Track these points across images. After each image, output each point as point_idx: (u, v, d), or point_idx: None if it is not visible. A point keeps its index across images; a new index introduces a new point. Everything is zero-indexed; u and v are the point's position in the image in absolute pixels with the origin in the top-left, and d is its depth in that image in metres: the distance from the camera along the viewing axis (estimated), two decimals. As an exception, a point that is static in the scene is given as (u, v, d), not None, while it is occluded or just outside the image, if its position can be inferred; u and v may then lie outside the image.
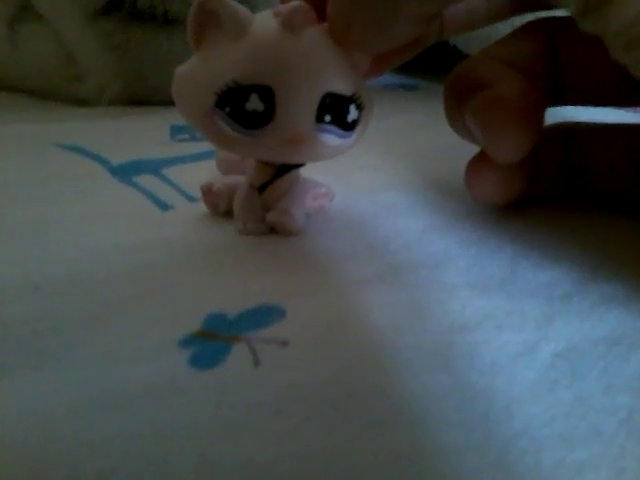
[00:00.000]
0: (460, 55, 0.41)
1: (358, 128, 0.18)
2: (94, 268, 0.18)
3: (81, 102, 0.40)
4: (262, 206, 0.20)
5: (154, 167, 0.27)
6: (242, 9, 0.17)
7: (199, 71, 0.17)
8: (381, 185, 0.24)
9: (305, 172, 0.20)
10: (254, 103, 0.16)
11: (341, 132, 0.18)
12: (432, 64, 0.43)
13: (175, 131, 0.32)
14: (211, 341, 0.14)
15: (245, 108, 0.16)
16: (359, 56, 0.18)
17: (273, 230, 0.20)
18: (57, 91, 0.41)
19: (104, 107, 0.39)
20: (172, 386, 0.13)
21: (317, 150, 0.18)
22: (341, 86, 0.17)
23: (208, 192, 0.21)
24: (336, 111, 0.17)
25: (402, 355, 0.14)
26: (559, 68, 0.20)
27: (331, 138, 0.18)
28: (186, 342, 0.14)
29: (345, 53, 0.17)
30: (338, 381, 0.13)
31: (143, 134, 0.32)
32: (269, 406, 0.12)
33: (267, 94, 0.16)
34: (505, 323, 0.15)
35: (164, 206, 0.22)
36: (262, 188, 0.20)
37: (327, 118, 0.17)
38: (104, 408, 0.12)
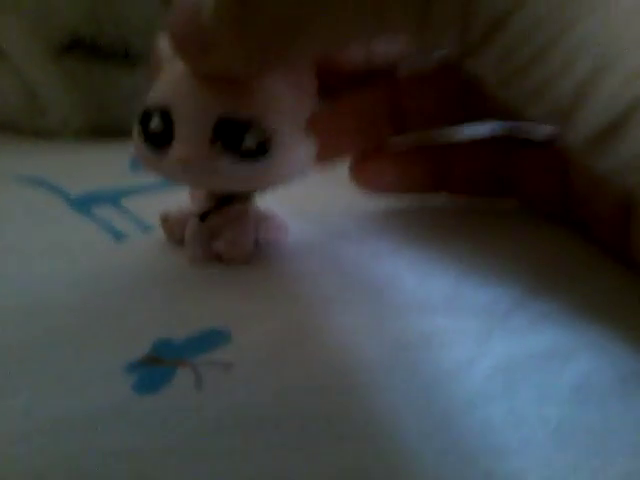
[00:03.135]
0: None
1: (275, 159, 0.18)
2: (44, 297, 0.18)
3: (43, 135, 0.40)
4: (210, 235, 0.20)
5: (113, 198, 0.27)
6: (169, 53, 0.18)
7: None
8: (333, 212, 0.25)
9: (259, 201, 0.21)
10: (155, 123, 0.17)
11: (237, 159, 0.17)
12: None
13: (135, 162, 0.32)
14: (157, 366, 0.15)
15: (149, 128, 0.18)
16: (293, 91, 0.18)
17: (220, 259, 0.20)
18: (19, 124, 0.41)
19: (66, 140, 0.39)
20: (116, 411, 0.13)
21: (214, 175, 0.18)
22: (237, 110, 0.17)
23: (165, 220, 0.21)
24: (230, 137, 0.17)
25: (344, 374, 0.14)
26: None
27: (226, 163, 0.17)
28: (132, 368, 0.14)
29: (258, 80, 0.17)
30: (279, 401, 0.13)
31: (104, 165, 0.33)
32: (210, 427, 0.13)
33: (166, 115, 0.17)
34: (446, 340, 0.16)
35: (119, 236, 0.22)
36: (203, 217, 0.20)
37: (219, 143, 0.17)
38: (49, 434, 0.12)
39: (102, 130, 0.39)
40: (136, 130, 0.18)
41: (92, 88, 0.39)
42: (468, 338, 0.16)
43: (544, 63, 0.11)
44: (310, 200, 0.26)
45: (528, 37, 0.11)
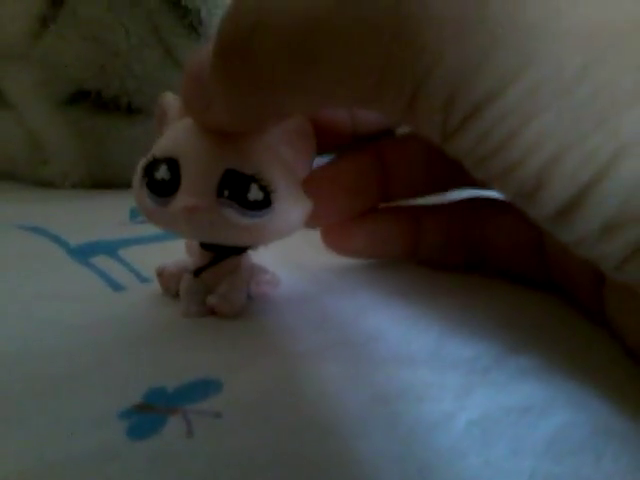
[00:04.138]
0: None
1: (277, 212, 0.18)
2: (41, 345, 0.18)
3: (45, 185, 0.41)
4: (205, 289, 0.21)
5: (111, 248, 0.28)
6: (178, 106, 0.20)
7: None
8: (324, 265, 0.26)
9: (252, 253, 0.22)
10: (162, 172, 0.18)
11: (242, 210, 0.18)
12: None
13: (135, 213, 0.33)
14: (149, 413, 0.15)
15: (155, 177, 0.18)
16: (292, 151, 0.19)
17: (213, 313, 0.21)
18: (22, 174, 0.42)
19: (67, 190, 0.40)
20: (108, 456, 0.14)
21: (218, 226, 0.18)
22: (243, 165, 0.18)
23: (161, 274, 0.22)
24: (236, 188, 0.18)
25: (329, 424, 0.15)
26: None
27: (231, 214, 0.18)
28: (125, 414, 0.15)
29: (261, 138, 0.19)
30: (267, 448, 0.14)
31: (103, 216, 0.34)
32: (199, 473, 0.13)
33: (173, 165, 0.18)
34: (426, 394, 0.16)
35: (117, 286, 0.23)
36: (197, 272, 0.21)
37: (226, 193, 0.18)
38: (42, 478, 0.13)
39: (103, 182, 0.40)
40: (138, 180, 0.19)
41: (95, 139, 0.41)
42: (448, 392, 0.17)
43: (510, 149, 0.12)
44: (300, 253, 0.27)
45: (498, 124, 0.12)
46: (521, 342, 0.19)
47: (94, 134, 0.40)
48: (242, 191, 0.18)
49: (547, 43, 0.11)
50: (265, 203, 0.18)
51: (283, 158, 0.19)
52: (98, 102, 0.40)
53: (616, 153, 0.11)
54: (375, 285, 0.24)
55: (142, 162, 0.19)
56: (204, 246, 0.21)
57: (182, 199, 0.18)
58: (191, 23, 0.40)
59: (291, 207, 0.19)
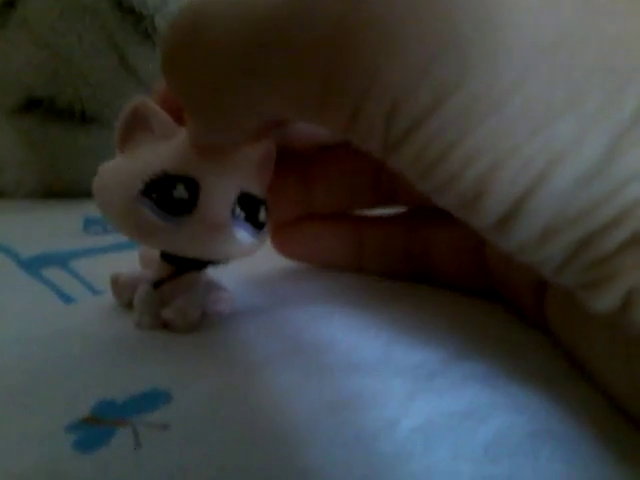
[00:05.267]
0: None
1: (264, 231, 0.20)
2: (-11, 359, 0.18)
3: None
4: (160, 302, 0.21)
5: (62, 260, 0.28)
6: (167, 116, 0.19)
7: (127, 164, 0.19)
8: (278, 276, 0.26)
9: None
10: (180, 192, 0.18)
11: (253, 230, 0.20)
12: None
13: (88, 223, 0.33)
14: (97, 426, 0.15)
15: (172, 196, 0.18)
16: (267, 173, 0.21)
17: (167, 326, 0.21)
18: (-28, 183, 0.42)
19: (18, 200, 0.40)
20: (53, 471, 0.14)
21: (231, 244, 0.19)
22: (254, 188, 0.20)
23: (116, 281, 0.22)
24: (249, 209, 0.19)
25: (278, 434, 0.15)
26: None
27: (244, 234, 0.19)
28: (72, 428, 0.15)
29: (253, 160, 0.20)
30: (214, 461, 0.14)
31: (56, 226, 0.33)
32: (146, 485, 0.13)
33: (192, 185, 0.18)
34: (372, 401, 0.17)
35: (67, 299, 0.23)
36: (157, 284, 0.21)
37: (241, 215, 0.19)
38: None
39: (56, 191, 0.40)
40: (132, 195, 0.18)
41: (48, 148, 0.40)
42: (393, 399, 0.17)
43: (449, 161, 0.13)
44: (252, 264, 0.27)
45: (437, 137, 0.13)
46: (467, 348, 0.20)
47: (47, 143, 0.40)
48: (255, 212, 0.19)
49: (482, 59, 0.12)
50: (265, 223, 0.20)
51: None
52: (51, 111, 0.40)
53: (550, 161, 0.12)
54: (326, 295, 0.24)
55: (142, 174, 0.18)
56: (167, 259, 0.21)
57: (206, 218, 0.18)
58: (146, 30, 0.40)
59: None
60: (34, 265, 0.27)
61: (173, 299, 0.21)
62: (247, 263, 0.25)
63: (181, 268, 0.21)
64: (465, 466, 0.15)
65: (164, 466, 0.14)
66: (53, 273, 0.26)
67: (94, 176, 0.19)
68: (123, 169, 0.19)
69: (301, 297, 0.24)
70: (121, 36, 0.39)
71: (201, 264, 0.21)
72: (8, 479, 0.13)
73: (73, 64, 0.39)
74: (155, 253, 0.22)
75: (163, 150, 0.19)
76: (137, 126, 0.19)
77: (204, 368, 0.18)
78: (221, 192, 0.19)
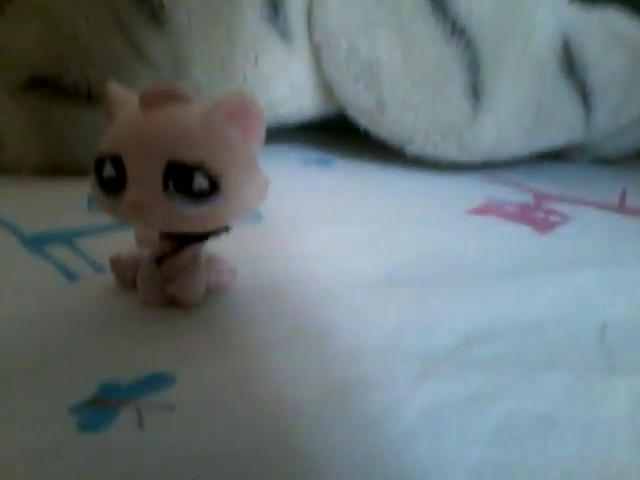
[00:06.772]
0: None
1: (228, 196, 0.18)
2: (-7, 337, 0.18)
3: (1, 171, 0.40)
4: (163, 278, 0.21)
5: (67, 237, 0.27)
6: (124, 95, 0.19)
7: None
8: (281, 257, 0.26)
9: (209, 245, 0.22)
10: (108, 170, 0.18)
11: (189, 200, 0.18)
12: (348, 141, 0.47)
13: (92, 202, 0.33)
14: (101, 407, 0.15)
15: (102, 175, 0.18)
16: (239, 131, 0.19)
17: (172, 302, 0.21)
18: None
19: (23, 176, 0.39)
20: (56, 450, 0.14)
21: (168, 217, 0.18)
22: (185, 155, 0.18)
23: (116, 263, 0.22)
24: (180, 179, 0.18)
25: (281, 416, 0.15)
26: None
27: (180, 205, 0.18)
28: (77, 409, 0.15)
29: (204, 125, 0.18)
30: (219, 441, 0.14)
31: (60, 204, 0.33)
32: (150, 465, 0.13)
33: (118, 162, 0.18)
34: (378, 384, 0.17)
35: (71, 276, 0.23)
36: (160, 260, 0.21)
37: (171, 185, 0.18)
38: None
39: (61, 168, 0.39)
40: (92, 176, 0.19)
41: (52, 126, 0.40)
42: (399, 383, 0.17)
43: None
44: (258, 244, 0.27)
45: None
46: (475, 334, 0.20)
47: (52, 121, 0.40)
48: (186, 182, 0.18)
49: None
50: (213, 190, 0.18)
51: (231, 140, 0.19)
52: (57, 89, 0.39)
53: None
54: (333, 276, 0.24)
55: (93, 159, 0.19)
56: (164, 235, 0.21)
57: (130, 194, 0.18)
58: (152, 9, 0.40)
59: (244, 187, 0.19)
60: (38, 242, 0.26)
61: (176, 274, 0.21)
62: (245, 241, 0.24)
63: (181, 242, 0.21)
64: (472, 450, 0.14)
65: (168, 446, 0.14)
66: (57, 250, 0.25)
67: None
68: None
69: (304, 277, 0.24)
70: (127, 15, 0.39)
71: (201, 236, 0.21)
72: (14, 459, 0.13)
73: (79, 43, 0.39)
74: (149, 231, 0.22)
75: (105, 132, 0.19)
76: (110, 110, 0.20)
77: (206, 351, 0.18)
78: (144, 165, 0.18)
